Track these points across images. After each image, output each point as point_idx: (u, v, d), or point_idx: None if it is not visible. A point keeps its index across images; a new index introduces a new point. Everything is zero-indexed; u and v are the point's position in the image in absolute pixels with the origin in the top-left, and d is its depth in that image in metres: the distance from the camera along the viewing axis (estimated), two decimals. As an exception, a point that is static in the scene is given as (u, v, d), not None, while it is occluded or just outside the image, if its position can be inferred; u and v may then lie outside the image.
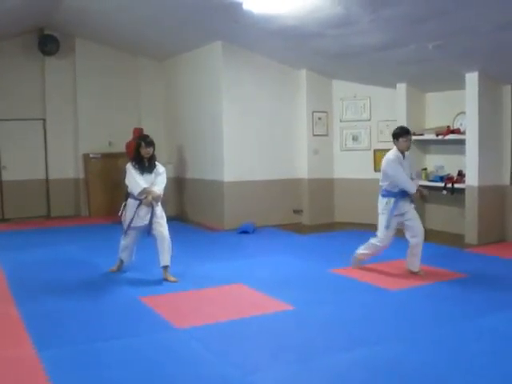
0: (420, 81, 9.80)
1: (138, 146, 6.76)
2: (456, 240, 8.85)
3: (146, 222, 6.70)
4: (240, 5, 7.74)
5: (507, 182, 9.03)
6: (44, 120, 12.31)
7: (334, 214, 11.37)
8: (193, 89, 11.39)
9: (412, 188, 6.68)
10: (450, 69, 8.76)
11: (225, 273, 7.01)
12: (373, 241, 7.00)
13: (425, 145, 10.21)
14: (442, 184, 9.28)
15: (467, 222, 8.89)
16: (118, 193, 11.95)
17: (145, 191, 6.64)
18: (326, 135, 11.19)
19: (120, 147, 11.78)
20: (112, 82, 12.51)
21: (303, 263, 7.61)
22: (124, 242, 6.95)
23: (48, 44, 11.84)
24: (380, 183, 6.91)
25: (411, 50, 8.19)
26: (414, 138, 9.90)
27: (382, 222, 6.87)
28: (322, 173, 11.17)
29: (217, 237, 9.60)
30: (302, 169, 11.09)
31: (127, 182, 6.81)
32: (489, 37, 7.28)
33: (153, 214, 6.70)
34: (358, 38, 8.27)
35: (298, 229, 10.49)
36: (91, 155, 12.31)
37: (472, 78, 8.72)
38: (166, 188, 6.92)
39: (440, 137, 9.34)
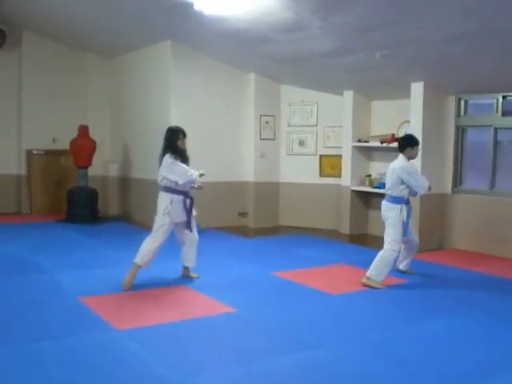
0: (367, 89, 9.94)
1: (176, 138, 6.50)
2: (397, 246, 9.01)
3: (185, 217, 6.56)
4: (191, 5, 7.70)
5: (448, 190, 9.24)
6: (-14, 114, 12.01)
7: (278, 217, 11.42)
8: (140, 88, 11.27)
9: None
10: (396, 78, 8.92)
11: (168, 274, 6.96)
12: (388, 254, 6.74)
13: (369, 152, 10.38)
14: (385, 191, 9.40)
15: (409, 228, 9.06)
16: (61, 190, 11.78)
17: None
18: (273, 139, 11.24)
19: (64, 144, 11.58)
20: (58, 78, 12.26)
21: (247, 266, 7.61)
22: (156, 243, 6.50)
23: (-6, 37, 11.57)
24: (387, 191, 6.97)
25: (359, 58, 8.30)
26: (358, 144, 10.13)
27: (395, 227, 6.78)
28: (267, 176, 11.20)
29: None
30: (248, 172, 11.11)
31: (172, 176, 6.40)
32: (434, 48, 7.44)
33: (192, 207, 6.63)
34: (308, 44, 8.33)
35: (242, 231, 10.49)
36: (34, 151, 12.04)
37: (417, 88, 8.89)
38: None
39: (384, 144, 9.44)
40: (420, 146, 7.07)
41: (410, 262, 7.35)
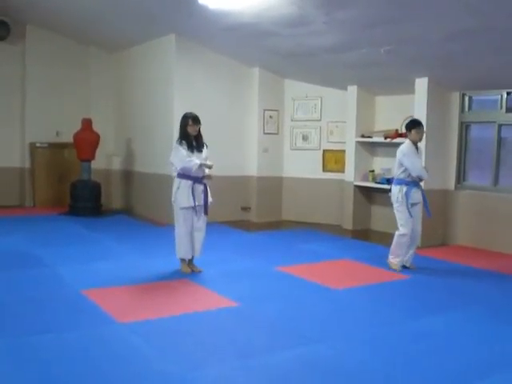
0: (371, 84, 9.92)
1: (185, 124, 6.61)
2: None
3: (201, 202, 6.63)
4: (195, -1, 7.70)
5: (452, 186, 9.23)
6: (-10, 106, 12.02)
7: (281, 212, 11.42)
8: (144, 81, 11.27)
9: (426, 174, 7.22)
10: (400, 73, 8.90)
11: (170, 268, 6.96)
12: (398, 238, 7.21)
13: (373, 147, 10.37)
14: (388, 186, 9.40)
15: (411, 224, 9.05)
16: (64, 183, 11.80)
17: (201, 166, 6.54)
18: (277, 134, 11.23)
19: (68, 137, 11.59)
20: (62, 71, 12.26)
21: (249, 260, 7.61)
22: (180, 232, 6.72)
23: (-1, 29, 11.57)
24: (394, 175, 7.40)
25: (363, 53, 8.28)
26: (362, 140, 10.11)
27: (400, 212, 7.17)
28: (271, 171, 11.21)
29: (163, 231, 9.49)
30: (251, 166, 11.11)
31: (175, 160, 6.56)
32: (437, 45, 7.43)
33: (207, 193, 6.68)
34: (312, 39, 8.32)
35: (245, 226, 10.50)
36: (38, 144, 12.05)
37: (421, 84, 8.87)
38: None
39: (388, 140, 9.47)
40: (417, 130, 7.20)
41: (412, 257, 7.36)
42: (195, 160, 6.50)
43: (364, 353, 4.42)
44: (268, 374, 4.00)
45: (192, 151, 6.57)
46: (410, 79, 8.92)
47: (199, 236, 6.81)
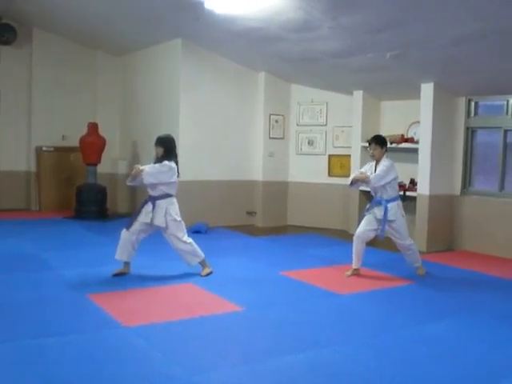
0: (376, 89, 9.93)
1: None
2: (405, 247, 8.98)
3: (148, 220, 6.70)
4: (201, 4, 7.71)
5: (457, 192, 9.21)
6: (-4, 110, 12.06)
7: (286, 217, 11.43)
8: (150, 86, 11.29)
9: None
10: (406, 78, 8.90)
11: (175, 272, 6.96)
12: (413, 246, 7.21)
13: (379, 152, 10.35)
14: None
15: (417, 229, 9.03)
16: (70, 187, 11.83)
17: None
18: (282, 138, 11.24)
19: (74, 141, 11.62)
20: (68, 75, 12.30)
21: (254, 265, 7.61)
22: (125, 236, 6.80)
23: (5, 33, 11.55)
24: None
25: (369, 58, 8.29)
26: (367, 145, 10.06)
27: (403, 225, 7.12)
28: (276, 175, 11.21)
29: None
30: (256, 171, 11.12)
31: None
32: (444, 49, 7.43)
33: (154, 213, 6.81)
34: (318, 44, 8.33)
35: (250, 230, 10.50)
36: (44, 148, 12.09)
37: (427, 89, 8.87)
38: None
39: (394, 145, 9.46)
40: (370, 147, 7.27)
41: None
42: None
43: (370, 358, 4.41)
44: (273, 378, 3.99)
45: None
46: (416, 84, 8.92)
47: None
